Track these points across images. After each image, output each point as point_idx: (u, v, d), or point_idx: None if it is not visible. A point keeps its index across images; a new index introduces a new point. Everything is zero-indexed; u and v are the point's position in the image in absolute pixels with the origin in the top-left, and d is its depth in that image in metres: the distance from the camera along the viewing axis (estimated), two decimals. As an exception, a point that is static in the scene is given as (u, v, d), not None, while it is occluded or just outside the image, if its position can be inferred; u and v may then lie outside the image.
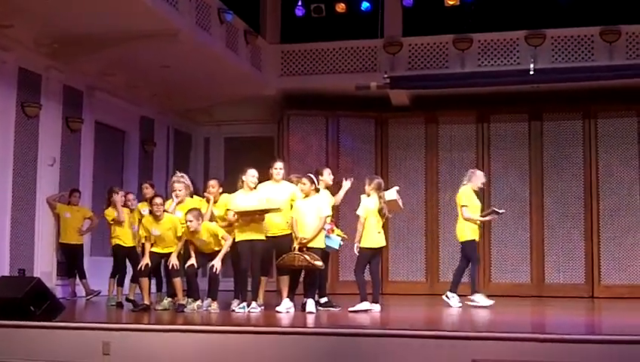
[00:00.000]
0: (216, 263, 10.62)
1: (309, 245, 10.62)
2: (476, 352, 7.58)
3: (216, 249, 10.81)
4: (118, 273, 12.54)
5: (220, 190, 11.43)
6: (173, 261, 10.85)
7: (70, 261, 13.95)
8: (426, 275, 17.08)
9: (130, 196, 12.81)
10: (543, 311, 12.42)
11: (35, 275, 11.82)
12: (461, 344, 7.72)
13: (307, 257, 10.49)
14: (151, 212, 11.18)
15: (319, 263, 10.60)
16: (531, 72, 15.77)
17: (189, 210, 10.76)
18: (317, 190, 10.94)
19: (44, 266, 13.56)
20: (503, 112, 17.10)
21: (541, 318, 11.29)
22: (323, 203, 10.90)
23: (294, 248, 10.62)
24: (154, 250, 11.15)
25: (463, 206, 12.49)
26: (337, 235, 11.27)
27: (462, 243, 12.60)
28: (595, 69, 15.84)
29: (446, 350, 7.72)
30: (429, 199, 17.24)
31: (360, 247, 11.12)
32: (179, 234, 10.96)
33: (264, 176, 11.21)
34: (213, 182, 11.51)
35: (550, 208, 16.68)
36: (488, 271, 16.77)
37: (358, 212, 11.16)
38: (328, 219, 11.00)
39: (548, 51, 16.13)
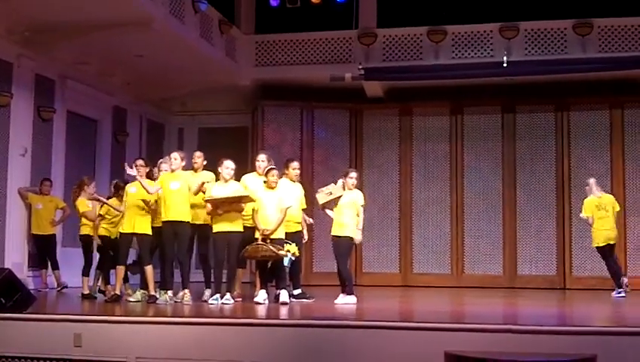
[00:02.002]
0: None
1: (271, 236, 10.66)
2: (448, 343, 7.60)
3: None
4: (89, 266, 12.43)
5: (205, 162, 11.46)
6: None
7: (43, 251, 13.83)
8: (400, 267, 17.13)
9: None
10: (515, 303, 12.48)
11: (5, 266, 11.72)
12: (433, 335, 7.75)
13: (271, 247, 10.52)
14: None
15: (283, 252, 10.64)
16: (505, 65, 15.84)
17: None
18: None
19: (15, 257, 13.45)
20: (477, 104, 17.16)
21: (513, 309, 11.35)
22: (284, 195, 10.90)
23: (257, 239, 10.64)
24: (122, 230, 11.11)
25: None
26: (288, 251, 10.98)
27: (612, 245, 13.68)
28: (567, 62, 15.93)
29: (418, 341, 7.75)
30: (403, 190, 17.28)
31: (346, 237, 11.09)
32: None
33: (239, 167, 11.19)
34: (199, 153, 11.57)
35: (522, 200, 16.78)
36: (461, 263, 16.85)
37: (361, 202, 11.16)
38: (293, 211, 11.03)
39: (521, 44, 16.19)
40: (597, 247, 13.63)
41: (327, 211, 11.29)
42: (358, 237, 11.14)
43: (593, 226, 13.56)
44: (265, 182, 10.92)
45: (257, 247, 10.58)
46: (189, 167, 11.41)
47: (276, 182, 10.87)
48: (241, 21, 17.65)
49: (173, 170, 10.97)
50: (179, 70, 16.01)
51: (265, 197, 10.76)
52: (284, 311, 9.91)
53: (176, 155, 11.01)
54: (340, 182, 11.34)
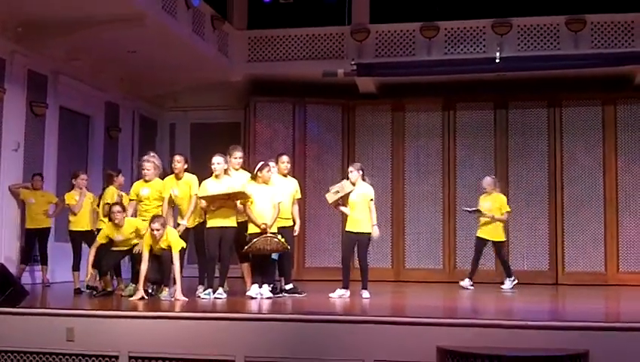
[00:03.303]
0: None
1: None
2: (440, 338, 7.63)
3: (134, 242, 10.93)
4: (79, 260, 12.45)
5: (185, 166, 11.27)
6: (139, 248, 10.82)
7: (34, 246, 13.76)
8: (392, 262, 17.13)
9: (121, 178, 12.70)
10: (507, 298, 12.51)
11: (-2, 261, 11.72)
12: (425, 330, 7.77)
13: (281, 239, 10.60)
14: (111, 219, 11.08)
15: (287, 244, 10.76)
16: (497, 61, 15.84)
17: (155, 218, 10.57)
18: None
19: (8, 252, 13.43)
20: (469, 100, 17.16)
21: (505, 305, 11.37)
22: (276, 190, 10.95)
23: (267, 231, 10.65)
24: (115, 248, 11.10)
25: None
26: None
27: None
28: (560, 58, 15.95)
29: (411, 336, 7.77)
30: (395, 186, 17.28)
31: (365, 233, 11.21)
32: (142, 232, 10.85)
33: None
34: (178, 158, 11.28)
35: (515, 196, 16.74)
36: (454, 258, 16.86)
37: (369, 196, 11.26)
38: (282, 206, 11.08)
39: (514, 40, 16.21)
40: (501, 242, 14.16)
41: (342, 208, 11.39)
42: (375, 233, 11.31)
43: (503, 223, 14.14)
44: (253, 177, 10.95)
45: (267, 240, 10.58)
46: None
47: (269, 178, 10.92)
48: (234, 17, 17.63)
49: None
50: (171, 66, 15.98)
51: (257, 193, 10.78)
52: (278, 305, 9.92)
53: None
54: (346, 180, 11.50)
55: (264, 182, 10.87)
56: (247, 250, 10.75)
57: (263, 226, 10.61)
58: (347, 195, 11.31)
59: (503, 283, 14.07)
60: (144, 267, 10.54)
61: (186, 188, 11.11)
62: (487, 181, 14.25)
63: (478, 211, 14.04)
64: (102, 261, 11.20)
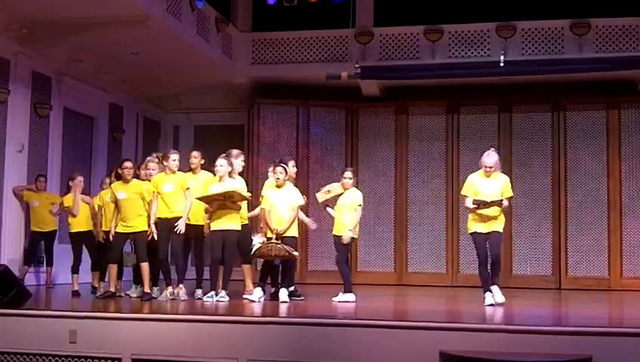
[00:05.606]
0: (181, 224, 10.80)
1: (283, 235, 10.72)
2: (444, 343, 7.62)
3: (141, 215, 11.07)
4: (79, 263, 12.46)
5: (202, 162, 11.50)
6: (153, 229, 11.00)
7: (37, 248, 13.77)
8: (395, 266, 17.11)
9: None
10: (510, 303, 12.48)
11: (1, 262, 11.71)
12: (428, 334, 7.76)
13: (285, 247, 10.56)
14: (119, 177, 11.37)
15: (296, 253, 10.73)
16: (501, 64, 15.82)
17: (173, 151, 11.28)
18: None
19: (11, 253, 13.43)
20: (473, 104, 17.13)
21: (508, 309, 11.34)
22: (295, 192, 10.93)
23: (271, 238, 10.64)
24: (119, 229, 11.11)
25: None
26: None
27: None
28: (564, 62, 15.93)
29: (413, 340, 7.76)
30: (399, 189, 17.26)
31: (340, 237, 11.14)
32: (148, 198, 11.01)
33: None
34: (195, 153, 11.61)
35: (518, 200, 16.68)
36: (456, 263, 16.83)
37: (357, 202, 11.16)
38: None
39: (518, 43, 16.19)
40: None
41: (328, 210, 11.38)
42: (346, 235, 11.06)
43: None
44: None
45: (271, 247, 10.58)
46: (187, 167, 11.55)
47: (283, 180, 10.89)
48: (238, 19, 17.64)
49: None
50: (175, 68, 15.99)
51: (275, 197, 10.78)
52: (283, 309, 9.92)
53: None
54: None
55: (277, 185, 10.90)
56: (252, 256, 10.81)
57: (274, 231, 10.64)
58: (337, 198, 11.31)
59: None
60: (154, 206, 10.91)
61: (200, 182, 11.25)
62: (495, 157, 10.81)
63: (488, 203, 10.50)
64: (107, 249, 11.42)
